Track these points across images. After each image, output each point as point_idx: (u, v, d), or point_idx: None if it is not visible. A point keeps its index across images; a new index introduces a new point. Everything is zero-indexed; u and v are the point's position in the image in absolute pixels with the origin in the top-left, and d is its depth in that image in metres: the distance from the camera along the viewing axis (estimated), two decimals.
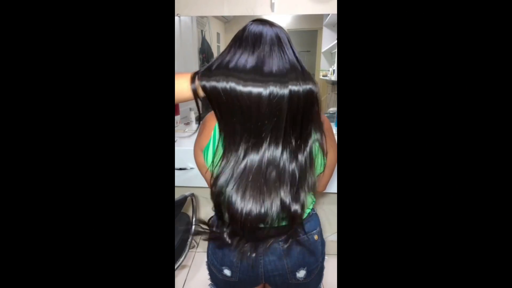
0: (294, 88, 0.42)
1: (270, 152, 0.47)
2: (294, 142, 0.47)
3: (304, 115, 0.45)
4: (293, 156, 0.48)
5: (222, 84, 0.42)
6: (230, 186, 0.48)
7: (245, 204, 0.48)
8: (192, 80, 0.44)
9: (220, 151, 0.50)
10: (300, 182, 0.49)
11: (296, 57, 0.47)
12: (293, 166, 0.48)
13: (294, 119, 0.45)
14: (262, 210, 0.48)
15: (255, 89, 0.41)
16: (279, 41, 0.47)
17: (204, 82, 0.43)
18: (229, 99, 0.42)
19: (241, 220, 0.48)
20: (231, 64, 0.44)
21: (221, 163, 0.49)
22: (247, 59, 0.44)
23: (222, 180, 0.49)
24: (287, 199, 0.48)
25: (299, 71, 0.45)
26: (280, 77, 0.42)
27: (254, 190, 0.48)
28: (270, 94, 0.41)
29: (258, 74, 0.42)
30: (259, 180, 0.48)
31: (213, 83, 0.42)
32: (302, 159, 0.48)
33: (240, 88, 0.41)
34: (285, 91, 0.42)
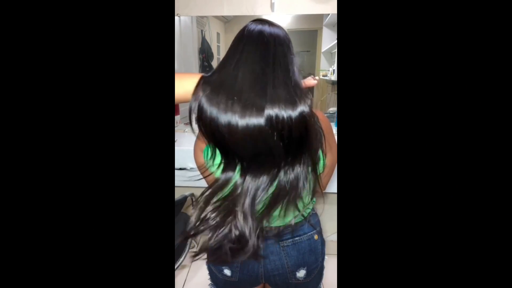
0: (280, 113, 0.39)
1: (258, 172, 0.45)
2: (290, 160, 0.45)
3: (294, 140, 0.42)
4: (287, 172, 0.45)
5: (211, 114, 0.40)
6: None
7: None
8: (197, 87, 0.43)
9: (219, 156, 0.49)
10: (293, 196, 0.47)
11: (291, 71, 0.44)
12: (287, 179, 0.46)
13: (283, 144, 0.42)
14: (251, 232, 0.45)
15: (243, 120, 0.39)
16: (277, 43, 0.47)
17: (198, 99, 0.41)
18: (214, 129, 0.41)
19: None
20: (229, 83, 0.42)
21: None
22: (244, 77, 0.42)
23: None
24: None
25: (290, 93, 0.41)
26: (272, 103, 0.39)
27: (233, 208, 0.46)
28: (266, 122, 0.39)
29: (256, 98, 0.40)
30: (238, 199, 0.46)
31: (203, 106, 0.41)
32: (297, 173, 0.46)
33: (228, 119, 0.39)
34: (267, 119, 0.39)
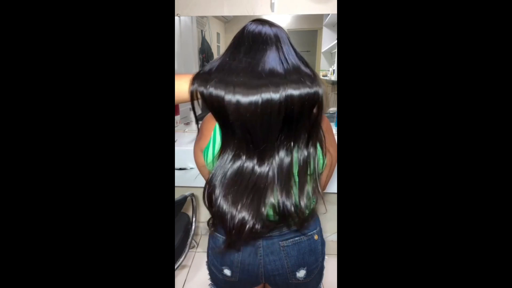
0: (291, 91, 0.41)
1: (264, 155, 0.47)
2: (291, 144, 0.47)
3: (301, 118, 0.44)
4: (289, 157, 0.47)
5: (212, 92, 0.42)
6: (220, 188, 0.48)
7: (233, 211, 0.47)
8: (192, 82, 0.44)
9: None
10: (298, 181, 0.49)
11: (299, 57, 0.47)
12: (288, 165, 0.47)
13: (290, 122, 0.44)
14: (251, 217, 0.47)
15: (246, 98, 0.41)
16: (278, 41, 0.47)
17: (196, 86, 0.43)
18: (220, 107, 0.43)
19: (231, 226, 0.47)
20: (227, 69, 0.44)
21: (216, 163, 0.49)
22: (244, 63, 0.44)
23: (214, 181, 0.49)
24: (281, 200, 0.48)
25: (303, 72, 0.43)
26: (277, 80, 0.41)
27: (242, 195, 0.47)
28: (261, 100, 0.41)
29: (254, 79, 0.42)
30: (249, 185, 0.47)
31: (203, 89, 0.43)
32: (300, 158, 0.48)
33: (230, 97, 0.41)
34: (278, 95, 0.41)
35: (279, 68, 0.43)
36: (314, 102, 0.43)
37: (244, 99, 0.41)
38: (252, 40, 0.47)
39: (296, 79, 0.42)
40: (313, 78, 0.43)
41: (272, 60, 0.44)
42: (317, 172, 0.50)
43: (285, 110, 0.42)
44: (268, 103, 0.41)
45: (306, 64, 0.46)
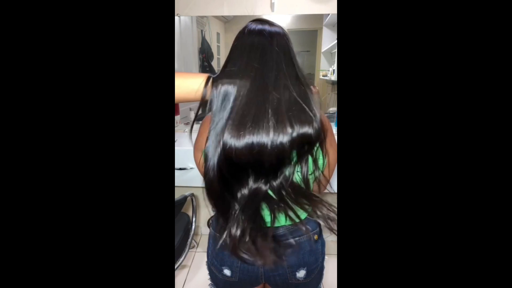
0: (284, 137, 0.41)
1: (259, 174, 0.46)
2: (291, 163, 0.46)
3: (300, 152, 0.45)
4: (289, 170, 0.47)
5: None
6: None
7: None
8: (206, 85, 0.44)
9: None
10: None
11: (296, 76, 0.46)
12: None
13: (284, 159, 0.44)
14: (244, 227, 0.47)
15: (239, 142, 0.41)
16: (278, 44, 0.47)
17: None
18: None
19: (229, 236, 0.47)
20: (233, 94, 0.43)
21: None
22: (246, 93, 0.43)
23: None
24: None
25: (298, 108, 0.42)
26: (265, 127, 0.41)
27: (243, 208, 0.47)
28: (253, 144, 0.41)
29: (247, 118, 0.41)
30: (246, 197, 0.47)
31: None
32: (303, 170, 0.48)
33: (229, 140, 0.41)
34: (270, 141, 0.40)
35: (273, 104, 0.42)
36: (312, 140, 0.44)
37: (238, 143, 0.41)
38: (253, 41, 0.47)
39: (291, 119, 0.41)
40: (312, 112, 0.43)
41: (267, 88, 0.43)
42: (316, 176, 0.50)
43: (277, 154, 0.42)
44: (259, 146, 0.41)
45: (304, 85, 0.45)
